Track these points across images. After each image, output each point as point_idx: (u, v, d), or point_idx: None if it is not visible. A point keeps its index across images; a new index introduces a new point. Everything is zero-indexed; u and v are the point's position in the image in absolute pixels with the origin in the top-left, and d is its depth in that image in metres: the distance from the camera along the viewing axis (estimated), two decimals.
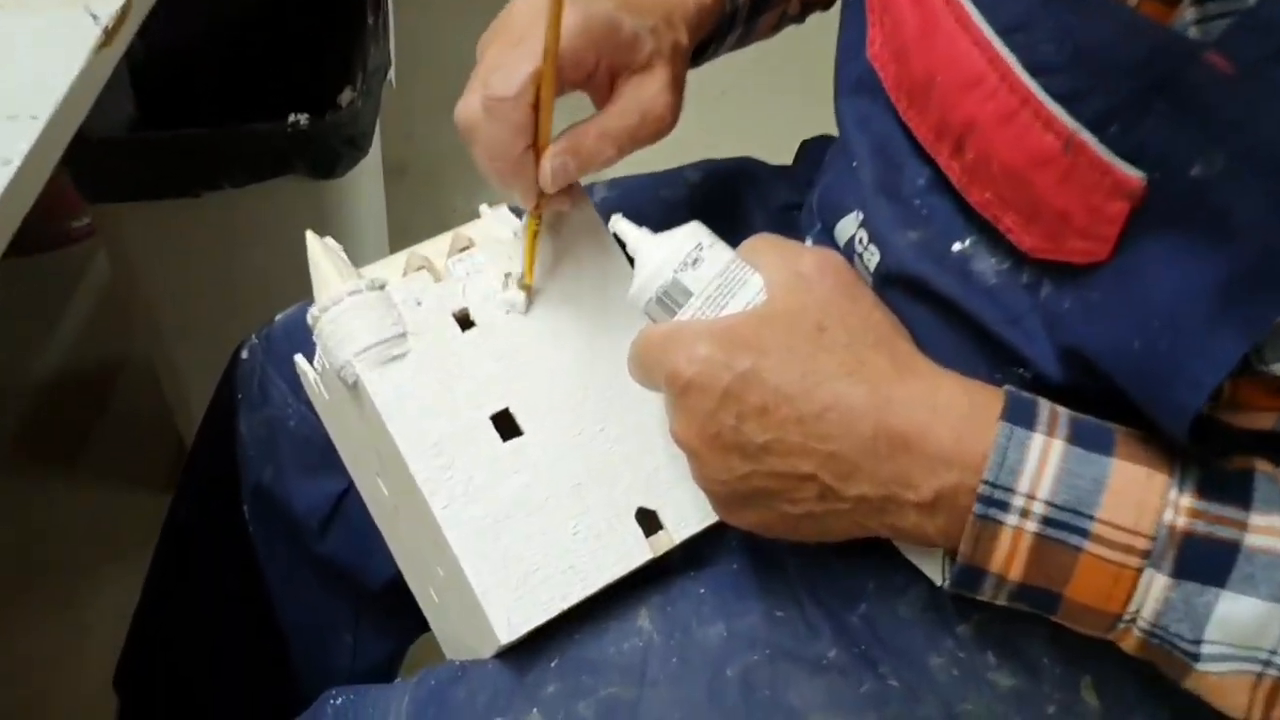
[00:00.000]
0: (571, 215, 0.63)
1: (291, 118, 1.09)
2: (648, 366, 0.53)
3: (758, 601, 0.58)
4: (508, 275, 0.62)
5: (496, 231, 0.64)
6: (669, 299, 0.55)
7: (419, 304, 0.60)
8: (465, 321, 0.61)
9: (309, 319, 0.60)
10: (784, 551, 0.59)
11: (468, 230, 0.64)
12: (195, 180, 1.11)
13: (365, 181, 1.21)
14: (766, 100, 2.02)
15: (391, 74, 1.20)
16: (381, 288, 0.60)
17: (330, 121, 1.11)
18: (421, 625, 0.75)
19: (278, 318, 0.78)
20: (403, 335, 0.59)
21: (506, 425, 0.59)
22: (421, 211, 1.78)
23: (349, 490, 0.75)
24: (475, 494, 0.57)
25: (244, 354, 0.78)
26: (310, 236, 0.62)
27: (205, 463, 0.81)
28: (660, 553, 0.59)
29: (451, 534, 0.56)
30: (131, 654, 0.88)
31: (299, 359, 0.67)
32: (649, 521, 0.59)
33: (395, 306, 0.59)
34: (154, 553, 0.86)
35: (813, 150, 0.81)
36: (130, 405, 1.54)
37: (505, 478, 0.58)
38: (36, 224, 1.75)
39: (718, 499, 0.53)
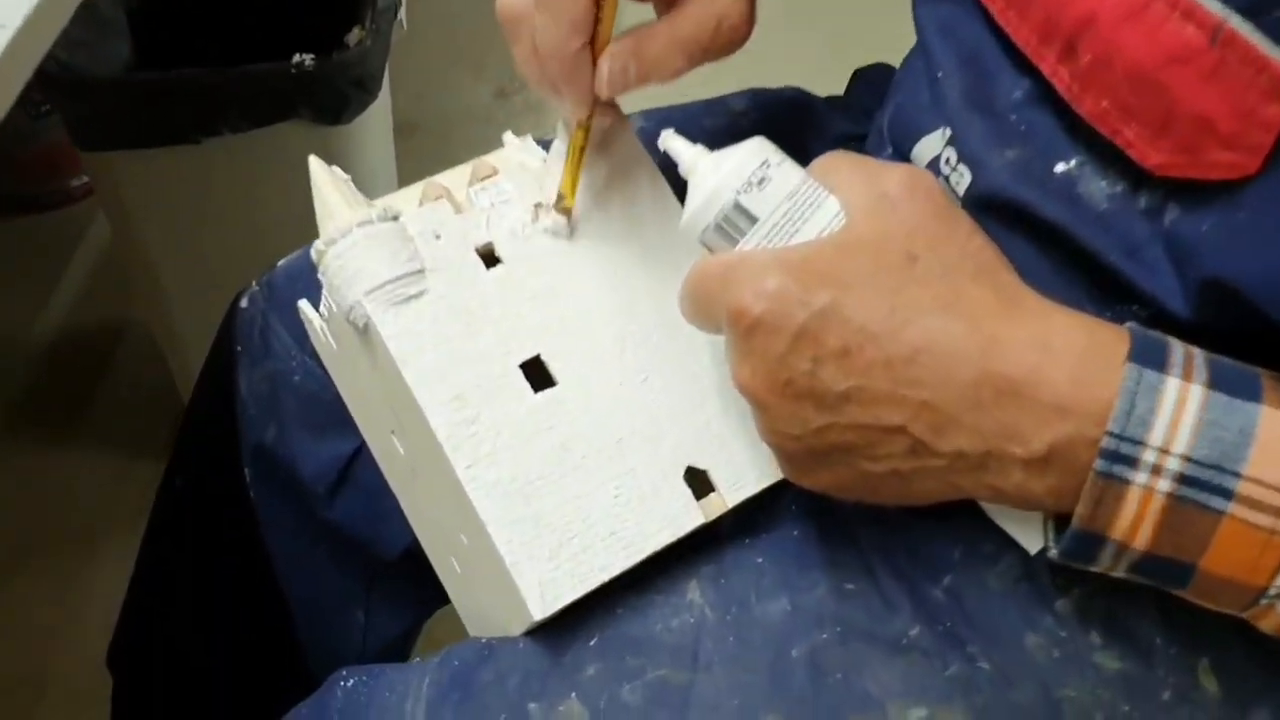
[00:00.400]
0: (612, 136, 0.56)
1: (296, 58, 1.02)
2: (705, 303, 0.46)
3: (824, 573, 0.51)
4: (538, 206, 0.55)
5: (523, 160, 0.57)
6: (730, 225, 0.48)
7: (438, 237, 0.53)
8: (490, 258, 0.54)
9: (313, 254, 0.53)
10: (852, 515, 0.52)
11: (491, 159, 0.57)
12: (194, 125, 1.04)
13: (374, 129, 1.14)
14: (803, 35, 1.92)
15: (402, 14, 1.13)
16: (395, 219, 0.53)
17: (337, 62, 1.03)
18: (439, 599, 0.68)
19: (280, 262, 0.71)
20: (420, 272, 0.52)
21: (538, 374, 0.52)
22: (432, 173, 1.70)
23: (360, 451, 0.68)
24: (503, 452, 0.50)
25: (243, 303, 0.71)
26: (315, 163, 0.55)
27: (203, 423, 0.75)
28: (712, 517, 0.52)
29: (477, 497, 0.49)
30: (126, 630, 0.81)
31: (303, 304, 0.60)
32: (699, 482, 0.53)
33: (411, 240, 0.52)
34: (148, 522, 0.79)
35: (868, 77, 0.74)
36: (132, 370, 1.49)
37: (537, 434, 0.51)
38: (34, 184, 1.71)
39: (787, 456, 0.46)
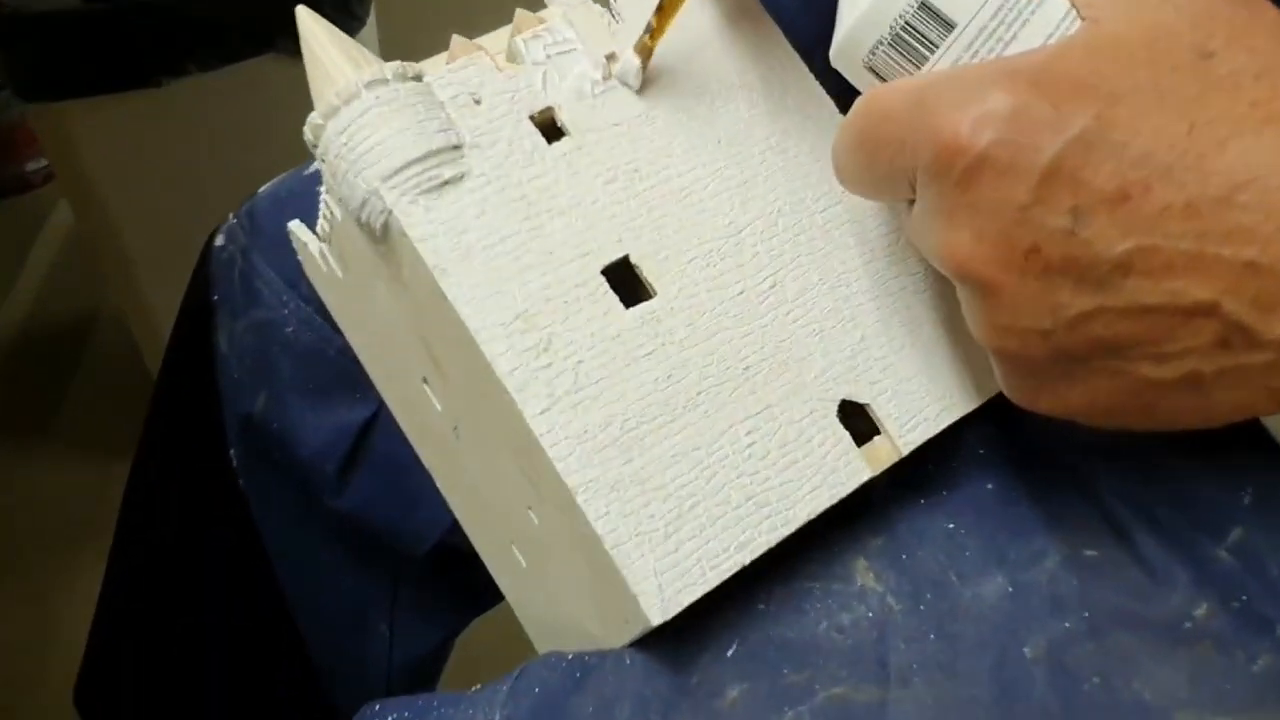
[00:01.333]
0: None
1: None
2: (884, 150, 0.32)
3: (1051, 537, 0.36)
4: (610, 57, 0.40)
5: (583, 8, 0.42)
6: (913, 36, 0.33)
7: (477, 102, 0.38)
8: (550, 128, 0.39)
9: (306, 134, 0.38)
10: (1072, 453, 0.37)
11: (537, 14, 0.42)
12: (155, 66, 0.89)
13: None
14: None
15: None
16: (418, 79, 0.38)
17: None
18: (478, 604, 0.54)
19: (263, 187, 0.56)
20: (457, 148, 0.37)
21: (627, 283, 0.38)
22: None
23: (376, 417, 0.54)
24: (588, 389, 0.35)
25: (219, 240, 0.56)
26: (304, 13, 0.40)
27: (176, 399, 0.60)
28: (882, 469, 0.37)
29: (558, 454, 0.34)
30: (94, 664, 0.66)
31: (295, 226, 0.46)
32: (858, 422, 0.38)
33: (441, 107, 0.37)
34: (116, 528, 0.64)
35: None
36: (106, 367, 1.36)
37: (633, 363, 0.36)
38: None
39: (1022, 364, 0.32)
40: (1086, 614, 0.34)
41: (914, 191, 0.32)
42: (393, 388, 0.46)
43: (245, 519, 0.57)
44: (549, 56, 0.40)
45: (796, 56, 0.42)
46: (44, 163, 1.54)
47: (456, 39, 0.41)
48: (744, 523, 0.35)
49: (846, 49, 0.35)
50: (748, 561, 0.35)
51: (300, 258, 0.46)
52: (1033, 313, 0.30)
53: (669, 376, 0.36)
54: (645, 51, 0.39)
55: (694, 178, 0.39)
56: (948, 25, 0.33)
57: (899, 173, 0.32)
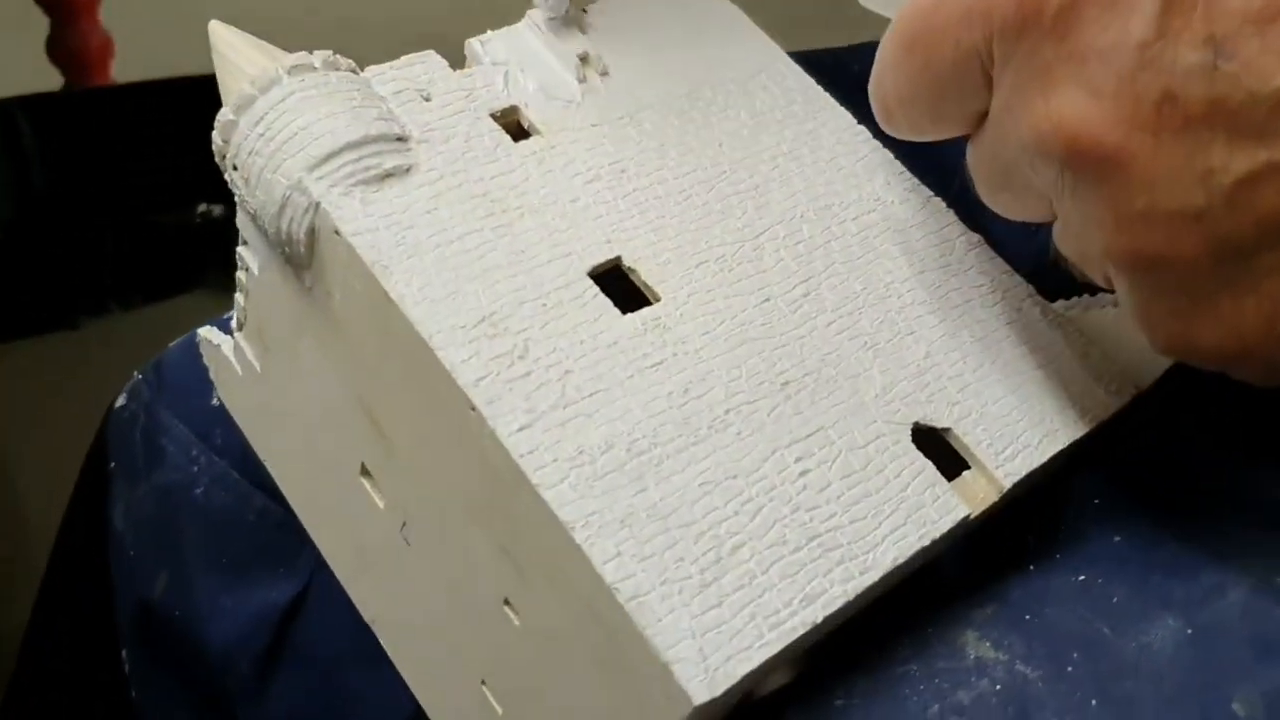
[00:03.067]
0: None
1: (202, 207, 0.82)
2: (946, 29, 0.25)
3: (1223, 567, 0.27)
4: (583, 57, 0.33)
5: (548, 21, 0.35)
6: None
7: (426, 99, 0.31)
8: (517, 131, 0.32)
9: (215, 138, 0.30)
10: (1224, 464, 0.29)
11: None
12: (73, 304, 0.82)
13: None
14: None
15: None
16: (354, 71, 0.31)
17: None
18: None
19: (174, 342, 0.48)
20: (402, 140, 0.30)
21: (624, 295, 0.29)
22: None
23: (305, 595, 0.43)
24: (581, 405, 0.26)
25: (119, 400, 0.47)
26: (216, 26, 0.33)
27: (57, 597, 0.49)
28: (981, 508, 0.28)
29: (543, 479, 0.25)
30: None
31: (204, 330, 0.38)
32: (937, 452, 0.29)
33: (382, 100, 0.30)
34: None
35: None
36: None
37: (638, 375, 0.27)
38: None
39: (1171, 272, 0.23)
40: None
41: (990, 88, 0.25)
42: (323, 511, 0.36)
43: None
44: (509, 58, 0.33)
45: (800, 70, 0.36)
46: None
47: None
48: (808, 569, 0.25)
49: None
50: (820, 619, 0.25)
51: (212, 372, 0.38)
52: (1178, 186, 0.22)
53: (686, 391, 0.27)
54: None
55: (695, 180, 0.32)
56: None
57: (968, 59, 0.25)
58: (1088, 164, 0.23)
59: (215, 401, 0.44)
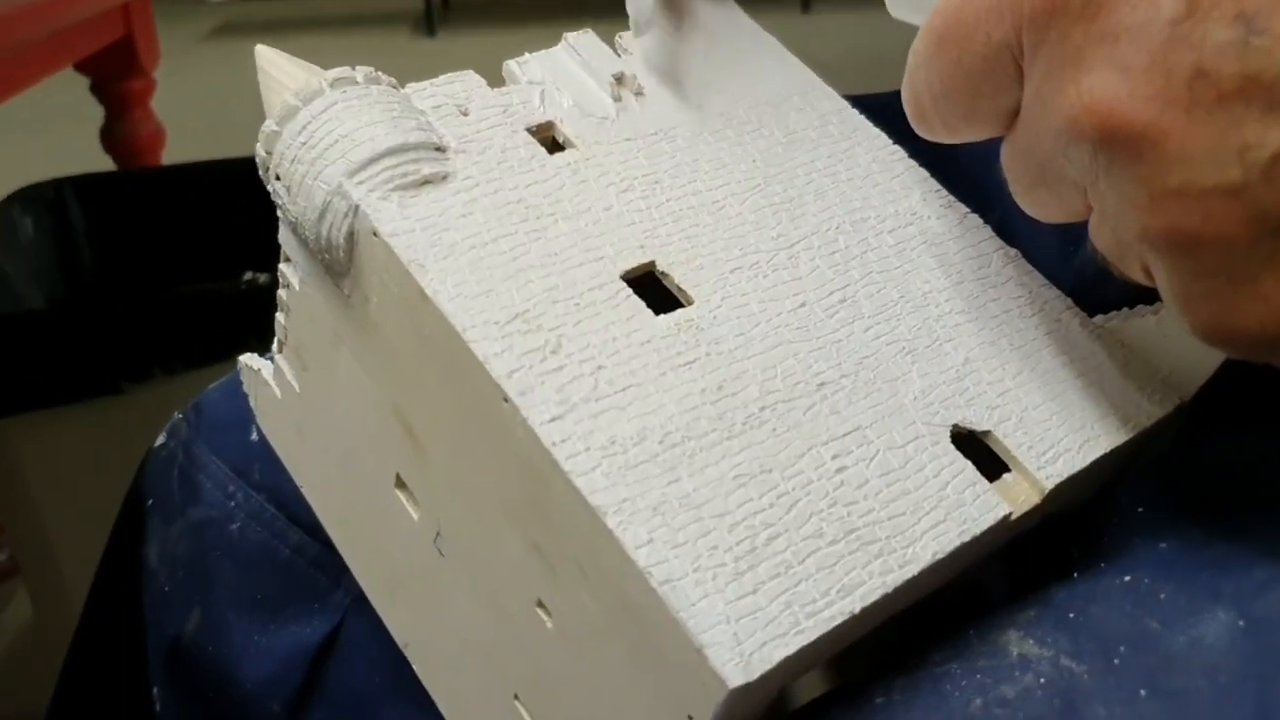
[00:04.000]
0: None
1: (247, 275, 0.83)
2: (977, 23, 0.25)
3: (1276, 561, 0.26)
4: (619, 76, 0.34)
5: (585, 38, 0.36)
6: None
7: (464, 114, 0.32)
8: (552, 145, 0.32)
9: (258, 149, 0.31)
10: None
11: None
12: (115, 371, 0.83)
13: None
14: None
15: None
16: (395, 87, 0.32)
17: None
18: None
19: (213, 384, 0.48)
20: (440, 149, 0.30)
21: (657, 299, 0.29)
22: None
23: (338, 632, 0.43)
24: (613, 398, 0.26)
25: (159, 440, 0.47)
26: (263, 50, 0.34)
27: (91, 639, 0.48)
28: (1022, 510, 0.27)
29: (575, 467, 0.25)
30: None
31: (245, 358, 0.38)
32: (978, 455, 0.28)
33: (421, 113, 0.31)
34: None
35: None
36: None
37: (671, 372, 0.27)
38: None
39: (1208, 251, 0.23)
40: None
41: (1021, 80, 0.25)
42: (358, 531, 0.36)
43: None
44: (545, 77, 0.33)
45: (834, 94, 0.36)
46: (3, 555, 1.44)
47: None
48: (846, 561, 0.25)
49: None
50: (858, 609, 0.24)
51: (252, 399, 0.39)
52: (1213, 162, 0.22)
53: (720, 388, 0.27)
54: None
55: (728, 192, 0.32)
56: None
57: (999, 52, 0.25)
58: (1121, 142, 0.23)
59: (254, 437, 0.44)
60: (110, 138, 1.40)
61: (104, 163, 1.37)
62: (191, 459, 0.45)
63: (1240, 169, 0.22)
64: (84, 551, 0.83)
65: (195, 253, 0.95)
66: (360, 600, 0.42)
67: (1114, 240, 0.25)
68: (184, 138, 1.52)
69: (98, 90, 1.36)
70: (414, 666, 0.35)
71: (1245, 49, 0.21)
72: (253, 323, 0.82)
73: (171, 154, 1.41)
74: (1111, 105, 0.23)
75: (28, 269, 0.95)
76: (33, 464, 0.86)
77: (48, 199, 1.00)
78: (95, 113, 1.40)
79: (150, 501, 0.46)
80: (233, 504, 0.44)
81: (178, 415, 0.48)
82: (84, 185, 1.04)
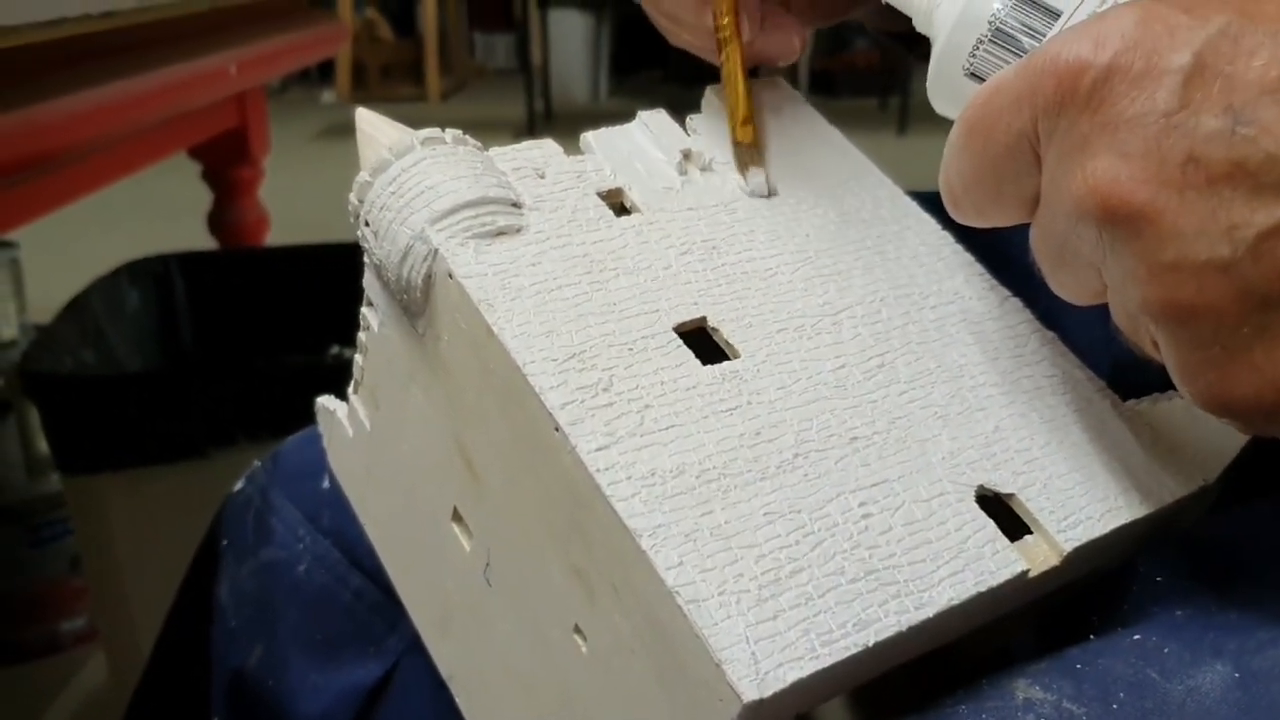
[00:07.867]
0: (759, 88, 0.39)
1: (333, 349, 0.87)
2: (1000, 114, 0.27)
3: (1277, 624, 0.27)
4: (685, 154, 0.37)
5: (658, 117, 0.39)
6: (1019, 27, 0.30)
7: (541, 176, 0.34)
8: (620, 210, 0.35)
9: (351, 198, 0.34)
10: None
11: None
12: (202, 435, 0.87)
13: None
14: None
15: None
16: (480, 149, 0.35)
17: None
18: None
19: (292, 436, 0.51)
20: (516, 205, 0.33)
21: (704, 349, 0.31)
22: None
23: (391, 676, 0.44)
24: (656, 435, 0.28)
25: (238, 485, 0.50)
26: (363, 113, 0.38)
27: (163, 669, 0.50)
28: (1040, 569, 0.29)
29: (617, 493, 0.27)
30: None
31: (322, 399, 0.41)
32: (1002, 516, 0.30)
33: (501, 173, 0.34)
34: None
35: None
36: None
37: (713, 416, 0.29)
38: (18, 628, 1.50)
39: (1203, 322, 0.25)
40: None
41: (1040, 166, 0.27)
42: (414, 566, 0.38)
43: None
44: (616, 148, 0.36)
45: (890, 181, 0.39)
46: (80, 622, 1.48)
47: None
48: (864, 599, 0.26)
49: (946, 59, 0.31)
50: (872, 643, 0.26)
51: (325, 439, 0.41)
52: (1204, 239, 0.24)
53: (757, 434, 0.29)
54: (750, 146, 0.36)
55: (780, 261, 0.34)
56: (1053, 12, 0.29)
57: (1019, 140, 0.27)
58: (1121, 220, 0.25)
59: (325, 484, 0.46)
60: (217, 222, 1.47)
61: (210, 245, 1.43)
62: (267, 502, 0.48)
63: (1229, 246, 0.23)
64: (159, 612, 0.86)
65: (288, 328, 1.00)
66: (413, 648, 0.44)
67: (1124, 314, 0.27)
68: (286, 227, 1.59)
69: (209, 176, 1.44)
70: (456, 699, 0.36)
71: (1233, 138, 0.23)
72: (340, 395, 0.85)
73: (273, 242, 1.47)
74: (1112, 186, 0.25)
75: (130, 336, 1.00)
76: (118, 522, 0.89)
77: (154, 272, 1.05)
78: (205, 197, 1.47)
79: (225, 542, 0.48)
80: (301, 546, 0.46)
81: (256, 463, 0.50)
82: (188, 261, 1.10)
